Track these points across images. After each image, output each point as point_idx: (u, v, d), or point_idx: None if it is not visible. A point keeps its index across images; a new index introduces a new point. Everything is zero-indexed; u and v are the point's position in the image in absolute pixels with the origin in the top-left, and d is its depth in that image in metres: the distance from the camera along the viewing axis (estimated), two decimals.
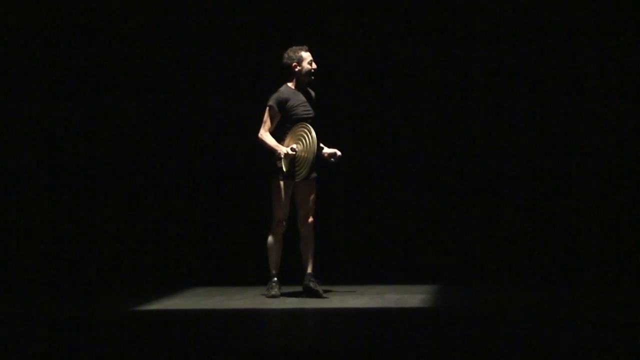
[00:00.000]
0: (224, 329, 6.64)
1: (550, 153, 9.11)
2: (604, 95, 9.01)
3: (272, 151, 7.91)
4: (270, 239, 8.05)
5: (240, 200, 9.35)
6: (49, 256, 9.25)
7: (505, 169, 9.13)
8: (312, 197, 8.05)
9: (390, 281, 8.87)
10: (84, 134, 9.40)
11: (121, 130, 9.41)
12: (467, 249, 9.13)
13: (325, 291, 8.03)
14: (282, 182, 7.95)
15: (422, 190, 9.23)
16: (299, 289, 8.05)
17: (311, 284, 7.94)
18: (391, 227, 9.24)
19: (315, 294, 7.90)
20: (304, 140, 7.85)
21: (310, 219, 8.04)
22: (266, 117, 7.99)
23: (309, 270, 8.01)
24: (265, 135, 7.96)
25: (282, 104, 7.95)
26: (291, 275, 8.27)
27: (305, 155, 7.84)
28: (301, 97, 8.01)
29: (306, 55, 8.03)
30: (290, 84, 8.05)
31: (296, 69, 8.02)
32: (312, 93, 8.10)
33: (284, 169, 7.87)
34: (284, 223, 8.02)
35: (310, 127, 7.85)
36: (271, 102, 7.98)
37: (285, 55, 8.04)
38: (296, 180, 7.93)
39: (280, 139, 7.95)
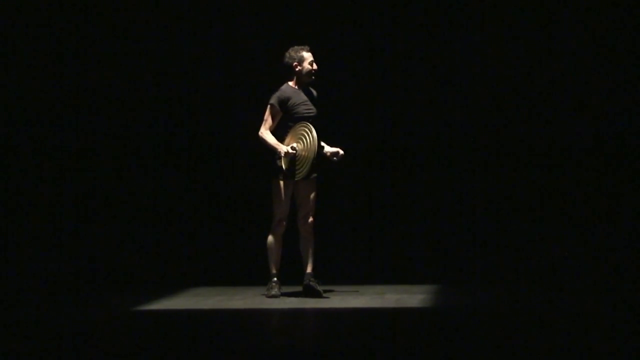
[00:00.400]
0: (224, 329, 6.64)
1: (550, 153, 9.11)
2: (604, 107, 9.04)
3: (273, 150, 7.91)
4: (270, 238, 8.05)
5: (240, 200, 9.35)
6: (49, 256, 9.24)
7: (505, 169, 9.12)
8: (312, 196, 8.04)
9: (390, 281, 8.87)
10: (84, 133, 9.39)
11: (121, 130, 9.41)
12: (467, 249, 9.13)
13: (325, 291, 8.03)
14: (282, 182, 7.95)
15: (422, 190, 9.22)
16: (299, 289, 8.05)
17: (311, 284, 7.94)
18: (391, 227, 9.24)
19: (315, 294, 7.89)
20: (304, 140, 7.85)
21: (310, 219, 8.04)
22: (267, 115, 7.99)
23: (309, 270, 8.01)
24: (265, 133, 7.96)
25: (284, 102, 7.95)
26: (291, 275, 8.27)
27: (306, 154, 7.84)
28: (303, 96, 8.01)
29: (307, 56, 8.03)
30: (291, 83, 8.05)
31: (297, 69, 8.02)
32: (314, 92, 8.10)
33: (284, 168, 7.87)
34: (284, 223, 8.02)
35: (311, 126, 7.85)
36: (272, 100, 7.98)
37: (287, 55, 8.04)
38: (296, 179, 7.93)
39: (281, 138, 7.95)
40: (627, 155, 9.00)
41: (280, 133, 7.97)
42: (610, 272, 8.84)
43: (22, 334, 6.44)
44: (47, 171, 9.32)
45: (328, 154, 8.05)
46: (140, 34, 9.40)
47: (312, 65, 8.03)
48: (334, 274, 8.79)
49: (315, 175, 8.00)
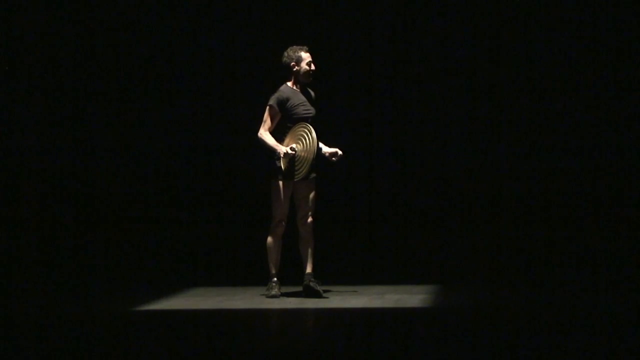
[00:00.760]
0: (224, 329, 6.64)
1: (550, 152, 9.10)
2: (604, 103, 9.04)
3: (272, 150, 7.91)
4: (269, 239, 8.04)
5: (240, 200, 9.34)
6: (50, 256, 9.24)
7: (505, 169, 9.12)
8: (311, 197, 8.04)
9: (390, 281, 8.87)
10: (84, 133, 9.39)
11: (121, 130, 9.40)
12: (467, 249, 9.12)
13: (325, 291, 8.03)
14: (281, 182, 7.94)
15: (422, 190, 9.22)
16: (299, 289, 8.04)
17: (311, 284, 7.94)
18: (391, 227, 9.24)
19: (315, 294, 7.89)
20: (303, 140, 7.84)
21: (310, 219, 8.04)
22: (266, 116, 7.99)
23: (309, 270, 8.00)
24: (265, 134, 7.96)
25: (283, 103, 7.95)
26: (291, 275, 8.27)
27: (305, 155, 7.84)
28: (301, 97, 8.01)
29: (305, 56, 8.02)
30: (289, 84, 8.05)
31: (294, 69, 8.02)
32: (312, 93, 8.10)
33: (283, 169, 7.87)
34: (284, 223, 8.01)
35: (311, 127, 7.85)
36: (271, 101, 7.98)
37: (285, 55, 8.04)
38: (295, 180, 7.93)
39: (280, 139, 7.95)
40: (628, 155, 9.00)
41: (279, 134, 7.97)
42: (610, 272, 8.83)
43: (22, 334, 6.43)
44: (47, 171, 9.32)
45: (327, 154, 8.04)
46: (141, 34, 9.39)
47: (310, 65, 8.02)
48: (334, 274, 8.79)
49: (314, 175, 8.00)
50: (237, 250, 9.27)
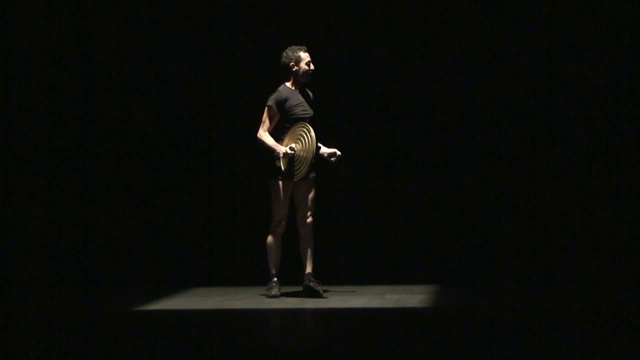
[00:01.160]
0: (224, 329, 6.64)
1: (550, 153, 9.10)
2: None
3: (271, 151, 7.91)
4: (269, 239, 8.05)
5: (240, 200, 9.34)
6: (49, 256, 9.24)
7: (505, 169, 9.12)
8: (311, 196, 8.05)
9: (390, 281, 8.87)
10: (84, 133, 9.39)
11: (121, 130, 9.40)
12: (467, 249, 9.12)
13: (325, 291, 8.04)
14: (281, 182, 7.95)
15: (422, 190, 9.22)
16: (299, 289, 8.05)
17: (311, 284, 7.94)
18: (391, 227, 9.24)
19: (315, 294, 7.90)
20: (303, 140, 7.85)
21: (310, 219, 8.05)
22: (265, 117, 8.00)
23: (309, 270, 8.01)
24: (264, 135, 7.97)
25: (281, 104, 7.95)
26: (291, 275, 8.27)
27: (304, 155, 7.85)
28: (300, 97, 8.02)
29: (304, 56, 8.03)
30: (288, 84, 8.06)
31: (293, 69, 8.02)
32: (310, 93, 8.11)
33: (283, 169, 7.87)
34: (283, 223, 8.02)
35: (310, 126, 7.86)
36: (270, 102, 7.99)
37: (284, 55, 8.05)
38: (295, 180, 7.93)
39: (279, 139, 7.96)
40: (627, 155, 8.99)
41: (278, 134, 7.97)
42: (610, 272, 8.83)
43: (22, 333, 6.43)
44: (47, 170, 9.32)
45: (325, 154, 8.05)
46: (141, 34, 9.39)
47: (309, 65, 8.03)
48: (334, 274, 8.79)
49: (314, 175, 8.01)
50: (237, 250, 9.27)
